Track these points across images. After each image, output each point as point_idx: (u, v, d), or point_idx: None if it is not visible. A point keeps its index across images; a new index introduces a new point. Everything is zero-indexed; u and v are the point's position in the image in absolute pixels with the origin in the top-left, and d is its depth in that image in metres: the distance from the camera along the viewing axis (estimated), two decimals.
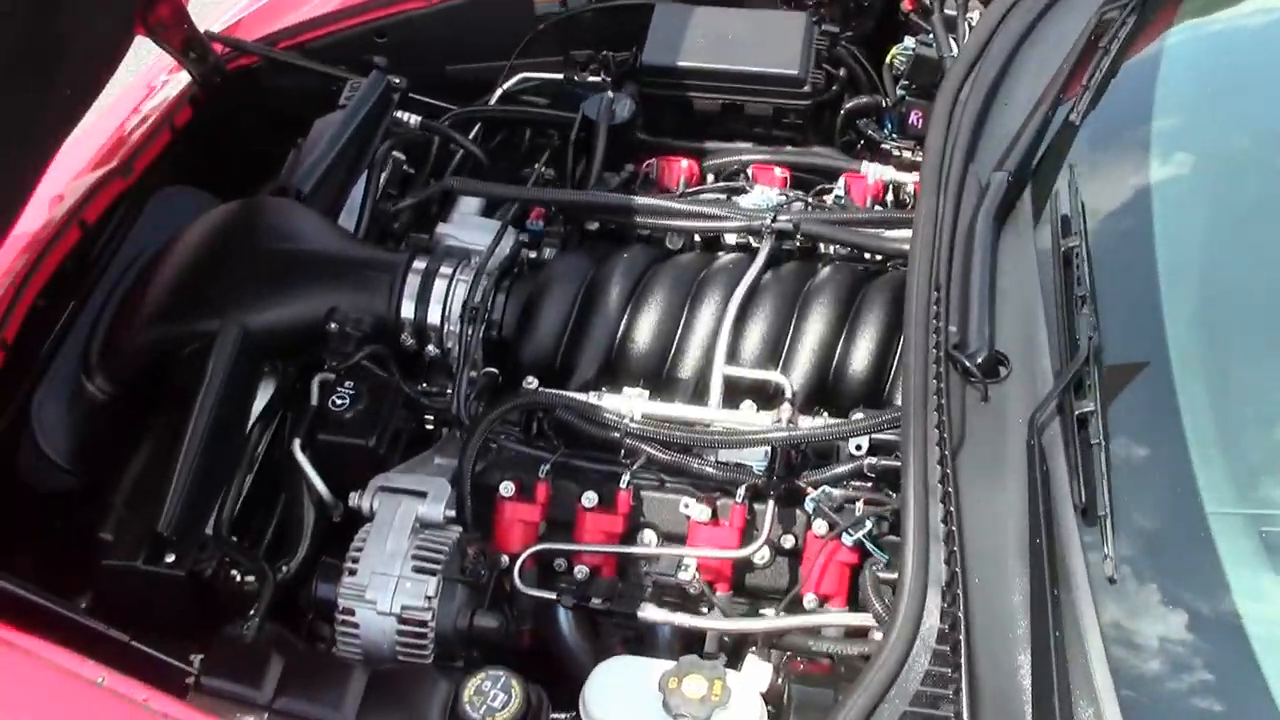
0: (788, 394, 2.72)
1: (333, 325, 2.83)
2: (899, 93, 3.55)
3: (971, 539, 2.25)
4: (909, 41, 3.56)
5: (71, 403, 2.93)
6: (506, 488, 2.68)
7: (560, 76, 3.58)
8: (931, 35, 3.50)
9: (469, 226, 3.10)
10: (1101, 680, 2.10)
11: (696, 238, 3.11)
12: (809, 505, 2.59)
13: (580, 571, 2.68)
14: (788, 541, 2.66)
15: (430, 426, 2.92)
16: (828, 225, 2.97)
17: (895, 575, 2.29)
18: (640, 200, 3.05)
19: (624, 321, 2.87)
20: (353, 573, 2.52)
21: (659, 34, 3.44)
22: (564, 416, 2.71)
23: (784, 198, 3.11)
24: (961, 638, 2.12)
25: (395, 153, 3.40)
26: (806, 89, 3.35)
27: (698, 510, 2.64)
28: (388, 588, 2.49)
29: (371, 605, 2.49)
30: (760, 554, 2.64)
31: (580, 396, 2.75)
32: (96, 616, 2.59)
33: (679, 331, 2.86)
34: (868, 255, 3.04)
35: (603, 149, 3.26)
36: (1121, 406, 2.45)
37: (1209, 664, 2.17)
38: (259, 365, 2.87)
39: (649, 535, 2.71)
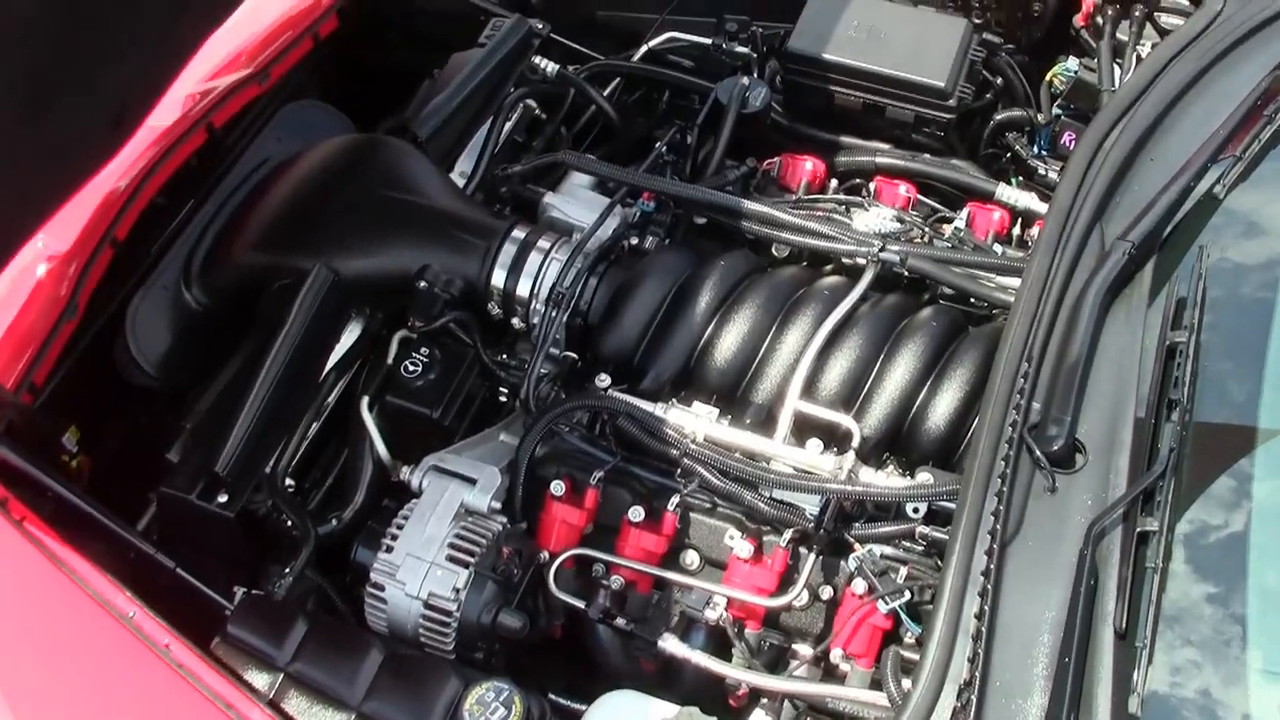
0: (855, 442, 2.62)
1: (422, 283, 2.80)
2: (1055, 112, 3.35)
3: (1002, 641, 2.17)
4: (1072, 62, 3.36)
5: (167, 309, 2.95)
6: (557, 487, 2.65)
7: (709, 41, 3.44)
8: (1097, 60, 3.28)
9: (576, 200, 3.02)
10: None
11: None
12: (852, 562, 2.52)
13: (616, 581, 2.64)
14: (825, 592, 2.60)
15: (504, 398, 2.88)
16: (935, 263, 2.83)
17: (918, 657, 2.21)
18: (749, 205, 2.94)
19: (708, 331, 2.79)
20: (389, 549, 2.51)
21: (811, 18, 3.29)
22: (626, 424, 2.64)
23: (899, 223, 2.96)
24: None
25: (527, 100, 3.31)
26: (951, 103, 3.18)
27: (741, 546, 2.58)
28: (419, 572, 2.48)
29: (401, 586, 2.48)
30: (797, 600, 2.57)
31: (648, 406, 2.68)
32: (153, 535, 2.62)
33: (761, 352, 2.77)
34: (973, 300, 2.89)
35: (727, 137, 3.14)
36: (1190, 533, 2.32)
37: None
38: (345, 310, 2.85)
39: (691, 556, 2.67)
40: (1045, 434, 2.35)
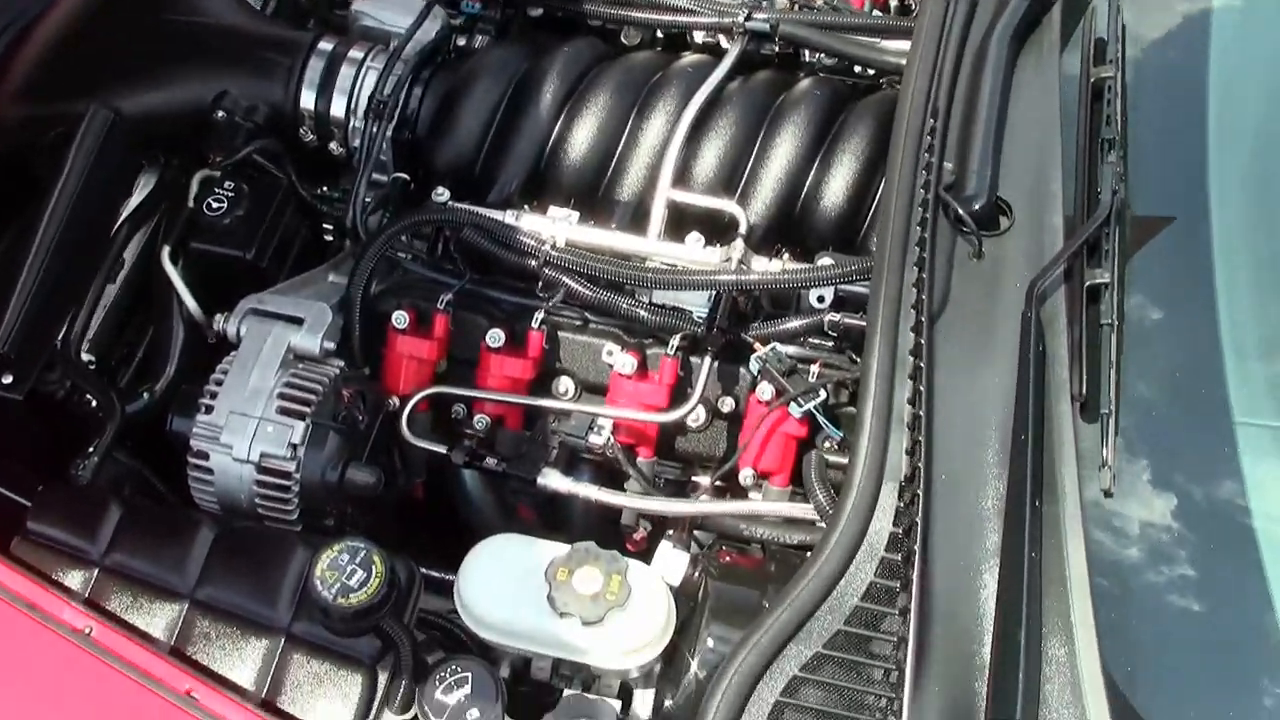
0: (742, 228, 2.23)
1: (220, 113, 2.36)
2: None
3: (943, 428, 1.81)
4: None
5: None
6: (400, 318, 2.22)
7: None
8: None
9: (389, 5, 2.56)
10: (1080, 614, 1.67)
11: (658, 33, 2.59)
12: (754, 364, 2.13)
13: (480, 422, 2.22)
14: (726, 405, 2.21)
15: (330, 238, 2.45)
16: (812, 29, 2.44)
17: (846, 460, 1.86)
18: None
19: (557, 128, 2.39)
20: (208, 410, 2.06)
21: None
22: (472, 237, 2.21)
23: None
24: (917, 547, 1.69)
25: None
26: None
27: (622, 360, 2.18)
28: (246, 431, 2.04)
29: (227, 450, 2.04)
30: (694, 416, 2.17)
31: (495, 214, 2.24)
32: None
33: (621, 144, 2.37)
34: (857, 69, 2.52)
35: None
36: (1144, 281, 1.97)
37: (1218, 605, 1.73)
38: (134, 157, 2.37)
39: (565, 383, 2.26)
40: (963, 194, 2.02)
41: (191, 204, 2.32)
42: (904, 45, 2.38)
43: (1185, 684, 1.69)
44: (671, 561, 1.93)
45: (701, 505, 2.05)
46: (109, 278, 2.30)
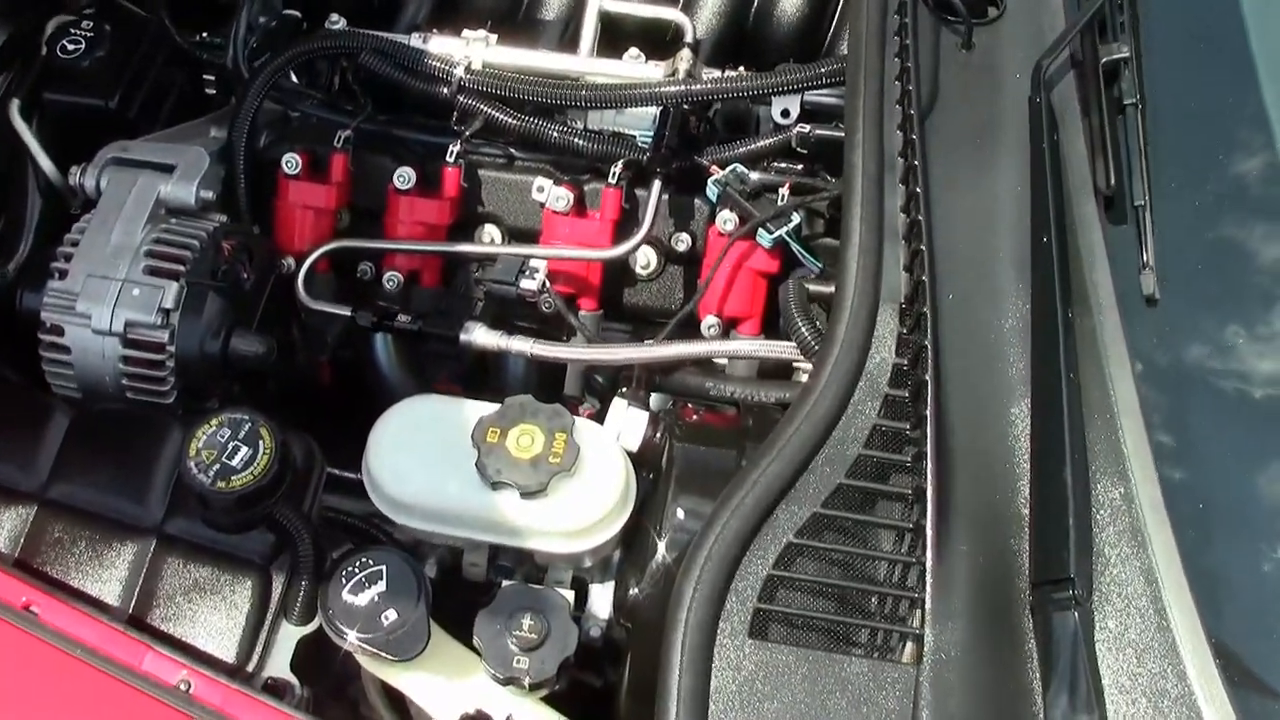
0: (688, 37, 1.85)
1: None
2: None
3: (946, 236, 1.49)
4: None
5: None
6: (291, 161, 1.84)
7: None
8: None
9: None
10: (1134, 445, 1.32)
11: None
12: (712, 190, 1.75)
13: (390, 280, 1.85)
14: (681, 243, 1.83)
15: (212, 91, 2.04)
16: None
17: (833, 288, 1.51)
18: None
19: None
20: (61, 275, 1.67)
21: None
22: (372, 64, 1.82)
23: None
24: (928, 377, 1.36)
25: None
26: None
27: (555, 195, 1.80)
28: (107, 296, 1.65)
29: (85, 322, 1.65)
30: (642, 257, 1.80)
31: (399, 38, 1.86)
32: None
33: None
34: None
35: None
36: (1171, 54, 1.62)
37: None
38: None
39: (490, 232, 1.88)
40: None
41: (43, 53, 1.91)
42: None
43: (1266, 521, 1.35)
44: (627, 421, 1.56)
45: (658, 349, 1.67)
46: None
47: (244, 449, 1.45)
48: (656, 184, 1.78)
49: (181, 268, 1.66)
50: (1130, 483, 1.28)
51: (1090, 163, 1.53)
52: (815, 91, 1.81)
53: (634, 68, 1.85)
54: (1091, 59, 1.60)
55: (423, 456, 1.48)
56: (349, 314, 1.76)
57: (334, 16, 1.92)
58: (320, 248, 1.80)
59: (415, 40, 1.87)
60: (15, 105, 1.86)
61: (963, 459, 1.33)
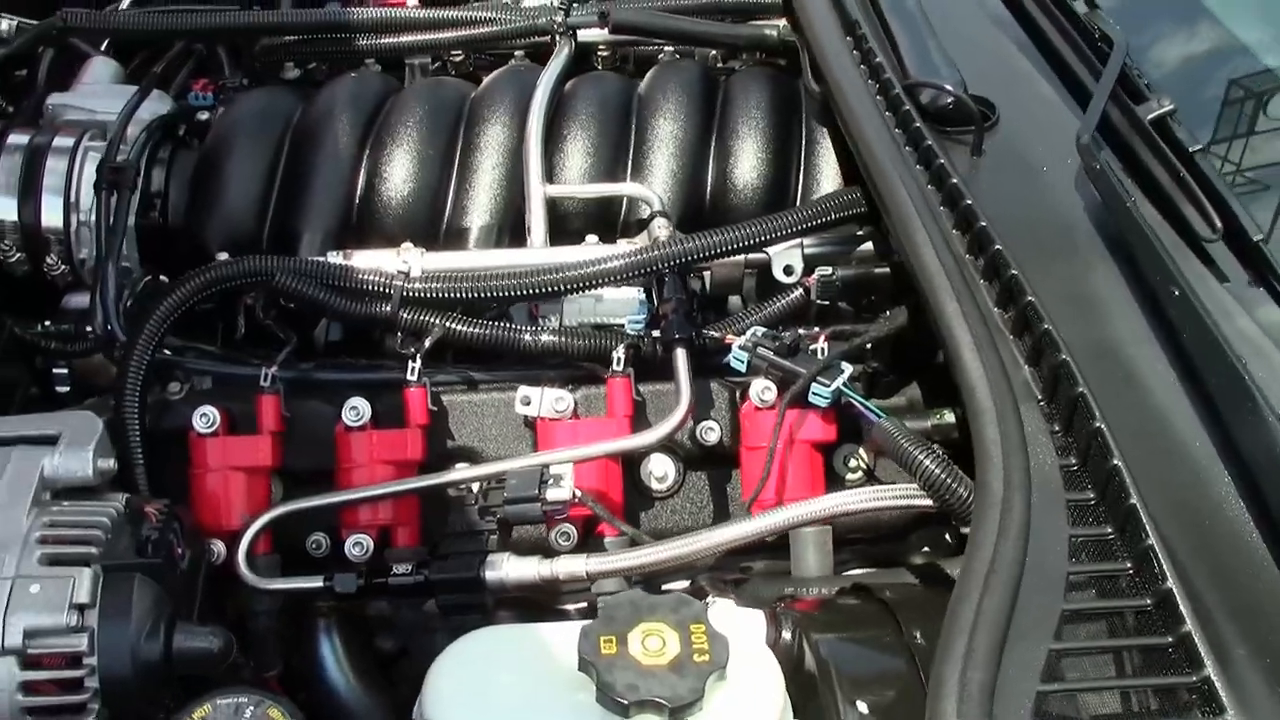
0: (656, 205, 1.55)
1: None
2: None
3: (1063, 320, 1.21)
4: None
5: None
6: (205, 417, 1.40)
7: None
8: None
9: (98, 94, 1.82)
10: None
11: (447, 65, 1.95)
12: (740, 358, 1.40)
13: (358, 544, 1.39)
14: (711, 432, 1.46)
15: (64, 388, 1.60)
16: (657, 14, 1.83)
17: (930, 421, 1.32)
18: (367, 14, 1.86)
19: (364, 164, 1.68)
20: None
21: None
22: (291, 286, 1.43)
23: None
24: (1118, 461, 1.07)
25: None
26: None
27: (549, 399, 1.41)
28: None
29: None
30: (658, 468, 1.44)
31: (317, 259, 1.49)
32: None
33: (455, 166, 1.68)
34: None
35: None
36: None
37: None
38: None
39: (464, 472, 1.44)
40: (933, 88, 1.50)
41: None
42: (768, 22, 1.89)
43: None
44: (743, 625, 1.14)
45: (753, 524, 1.24)
46: None
47: None
48: (681, 353, 1.41)
49: (92, 549, 1.19)
50: None
51: (1168, 217, 1.29)
52: (808, 243, 1.53)
53: (603, 248, 1.52)
54: (1130, 120, 1.39)
55: (510, 701, 1.02)
56: (321, 585, 1.29)
57: (221, 255, 1.53)
58: (263, 515, 1.34)
59: (336, 258, 1.49)
60: None
61: (1188, 542, 1.01)
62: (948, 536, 1.50)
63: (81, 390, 1.61)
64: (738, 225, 1.48)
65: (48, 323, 1.64)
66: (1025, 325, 1.21)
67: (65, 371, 1.61)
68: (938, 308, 1.24)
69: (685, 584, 1.37)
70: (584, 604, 1.40)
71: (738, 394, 1.47)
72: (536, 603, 1.39)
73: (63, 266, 1.64)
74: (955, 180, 1.34)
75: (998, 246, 1.25)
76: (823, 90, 1.64)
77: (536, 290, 1.44)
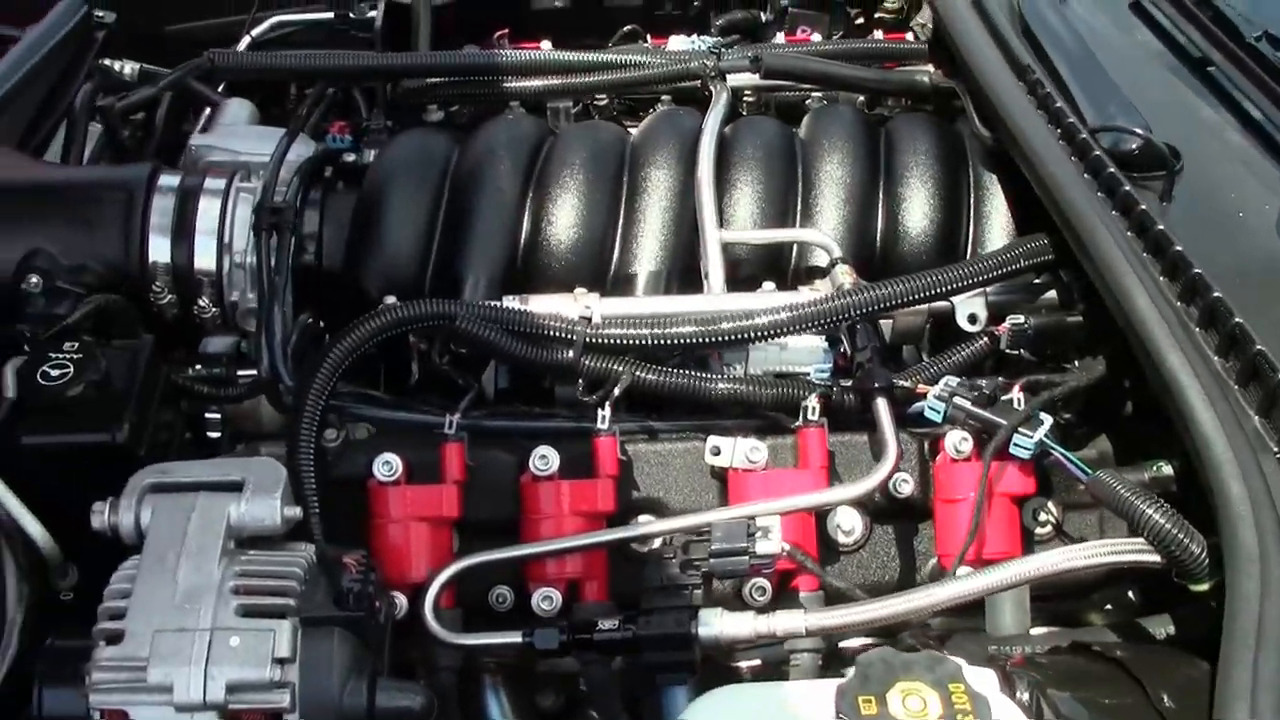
0: (836, 252, 1.50)
1: (33, 279, 1.51)
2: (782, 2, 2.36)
3: None
4: None
5: None
6: (387, 465, 1.34)
7: (329, 15, 2.27)
8: None
9: (239, 135, 1.79)
10: None
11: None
12: (935, 409, 1.34)
13: (546, 600, 1.32)
14: (905, 484, 1.40)
15: (215, 433, 1.55)
16: (809, 59, 1.79)
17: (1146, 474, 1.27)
18: (514, 56, 1.82)
19: (529, 207, 1.63)
20: (113, 639, 1.12)
21: None
22: (472, 331, 1.37)
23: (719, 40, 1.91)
24: None
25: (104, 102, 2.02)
26: None
27: (743, 450, 1.35)
28: (193, 654, 1.11)
29: (163, 696, 1.10)
30: (845, 520, 1.38)
31: (494, 303, 1.45)
32: None
33: (621, 210, 1.64)
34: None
35: (427, 29, 1.97)
36: None
37: None
38: None
39: (648, 524, 1.38)
40: (1117, 133, 1.47)
41: (11, 394, 1.39)
42: (918, 67, 1.87)
43: None
44: (977, 680, 1.07)
45: (980, 580, 1.17)
46: None
47: None
48: (883, 403, 1.36)
49: (290, 601, 1.13)
50: None
51: None
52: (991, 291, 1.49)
53: (784, 297, 1.47)
54: None
55: None
56: (520, 640, 1.23)
57: (389, 298, 1.48)
58: (449, 566, 1.28)
59: (513, 302, 1.44)
60: None
61: None
62: (1130, 594, 1.45)
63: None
64: (930, 272, 1.43)
65: (198, 366, 1.60)
66: (1253, 374, 1.16)
67: (218, 417, 1.57)
68: (1159, 357, 1.19)
69: (868, 640, 1.33)
70: (756, 660, 1.35)
71: (925, 444, 1.42)
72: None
73: (213, 309, 1.60)
74: (1160, 226, 1.29)
75: (1217, 294, 1.20)
76: (995, 136, 1.61)
77: (726, 338, 1.39)
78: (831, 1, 2.31)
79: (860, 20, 2.39)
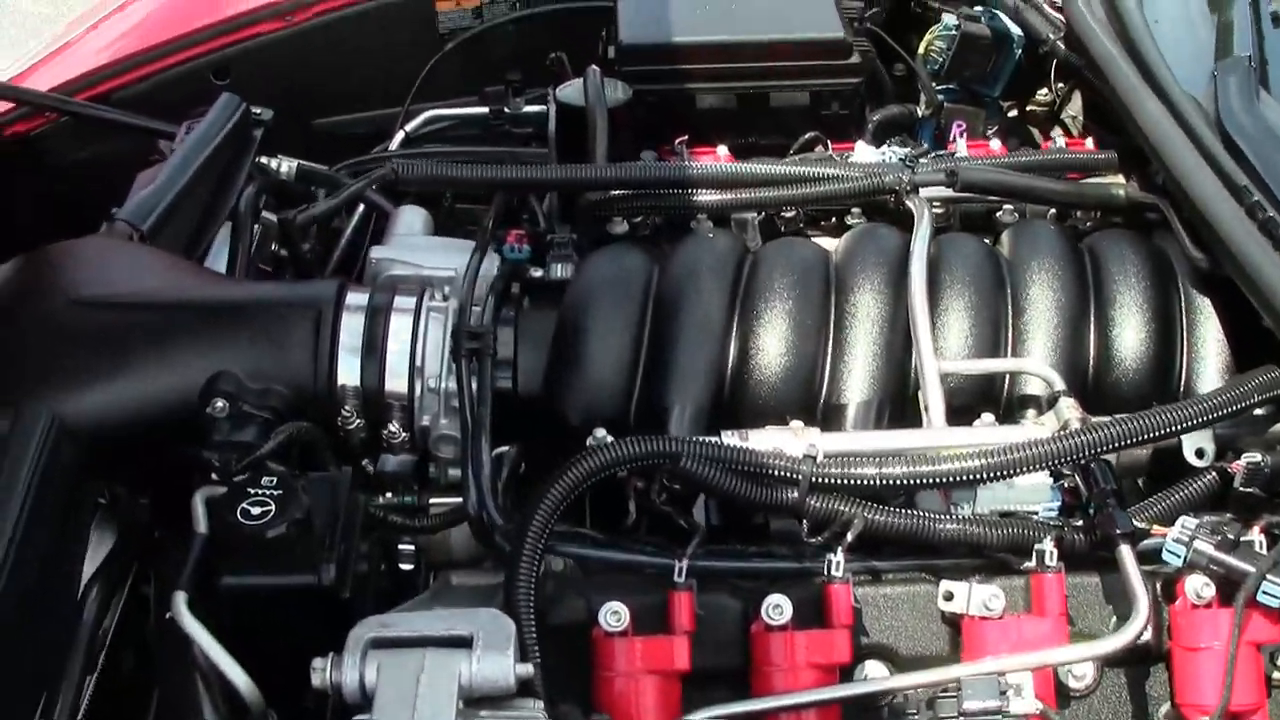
0: (1058, 385, 1.44)
1: (219, 402, 1.45)
2: (939, 97, 2.30)
3: None
4: (949, 19, 2.33)
5: None
6: (614, 615, 1.28)
7: (485, 110, 2.25)
8: (979, 8, 2.31)
9: (419, 248, 1.74)
10: None
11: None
12: (1175, 552, 1.28)
13: None
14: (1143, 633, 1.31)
15: (408, 565, 1.50)
16: (1005, 172, 1.74)
17: None
18: (708, 169, 1.77)
19: (735, 334, 1.57)
20: None
21: (633, 9, 2.17)
22: (697, 470, 1.33)
23: (904, 151, 1.85)
24: None
25: (266, 213, 1.99)
26: (855, 59, 2.10)
27: (981, 596, 1.29)
28: None
29: None
30: (1078, 665, 1.29)
31: (711, 440, 1.39)
32: None
33: (830, 337, 1.58)
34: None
35: (605, 136, 1.92)
36: None
37: None
38: (89, 484, 1.43)
39: (875, 671, 1.32)
40: None
41: (203, 529, 1.35)
42: (1108, 179, 1.81)
43: None
44: None
45: None
46: (89, 665, 1.31)
47: None
48: (1126, 549, 1.29)
49: None
50: None
51: None
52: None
53: (1010, 432, 1.41)
54: None
55: None
56: None
57: (599, 431, 1.43)
58: None
59: (732, 438, 1.38)
60: (182, 599, 1.29)
61: None
62: None
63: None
64: (1165, 409, 1.36)
65: (389, 494, 1.55)
66: None
67: (411, 548, 1.52)
68: None
69: None
70: None
71: (1158, 585, 1.35)
72: None
73: (404, 434, 1.55)
74: None
75: None
76: (1209, 258, 1.54)
77: (958, 478, 1.33)
78: (984, 95, 2.28)
79: (1013, 112, 2.35)
